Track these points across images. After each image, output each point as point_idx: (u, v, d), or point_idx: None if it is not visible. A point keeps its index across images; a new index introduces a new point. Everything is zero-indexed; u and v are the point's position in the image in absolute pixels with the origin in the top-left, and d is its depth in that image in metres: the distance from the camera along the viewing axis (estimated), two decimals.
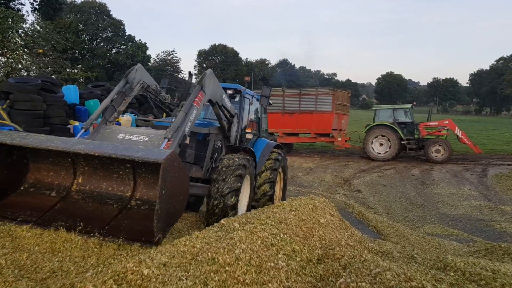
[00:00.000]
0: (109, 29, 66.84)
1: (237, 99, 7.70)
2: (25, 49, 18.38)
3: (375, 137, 20.56)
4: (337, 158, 20.32)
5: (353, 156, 21.69)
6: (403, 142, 20.08)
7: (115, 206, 4.72)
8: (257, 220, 4.38)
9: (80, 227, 4.30)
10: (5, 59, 16.73)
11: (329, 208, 6.48)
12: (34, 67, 19.02)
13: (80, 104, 10.17)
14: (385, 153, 20.23)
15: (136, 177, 4.77)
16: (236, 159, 6.00)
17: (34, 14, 24.97)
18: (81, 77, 59.69)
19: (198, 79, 5.84)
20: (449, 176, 15.47)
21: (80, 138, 5.04)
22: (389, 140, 20.26)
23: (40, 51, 18.70)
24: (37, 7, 24.60)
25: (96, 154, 4.20)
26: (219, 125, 6.85)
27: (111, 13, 67.46)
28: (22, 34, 17.96)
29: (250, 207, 6.48)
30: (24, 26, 17.80)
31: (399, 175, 15.72)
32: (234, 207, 5.72)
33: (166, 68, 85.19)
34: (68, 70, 60.84)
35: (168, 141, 4.89)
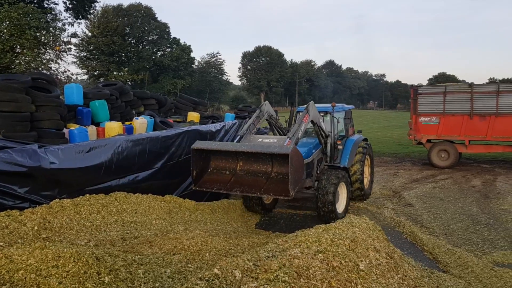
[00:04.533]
0: (154, 32, 67.43)
1: (327, 118, 10.50)
2: (45, 47, 17.85)
3: None
4: (385, 165, 18.47)
5: (403, 163, 19.74)
6: None
7: (263, 177, 8.00)
8: (263, 273, 3.00)
9: (244, 191, 7.80)
10: (23, 57, 16.25)
11: (373, 237, 5.07)
12: (52, 65, 18.48)
13: (85, 104, 9.09)
14: None
15: (273, 160, 7.94)
16: (332, 179, 9.13)
17: (67, 13, 24.77)
18: (127, 80, 60.71)
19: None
20: None
21: (240, 143, 8.34)
22: None
23: (57, 48, 18.15)
24: (70, 6, 24.30)
25: (253, 152, 7.59)
26: (318, 148, 10.01)
27: (156, 16, 68.01)
28: (43, 32, 17.43)
29: (348, 203, 9.89)
30: (43, 23, 17.24)
31: (457, 186, 13.81)
32: (333, 210, 8.94)
33: (210, 70, 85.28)
34: (115, 73, 62.12)
35: (289, 139, 8.07)
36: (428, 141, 18.40)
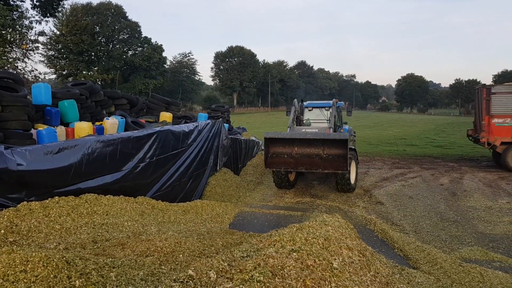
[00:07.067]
0: (125, 31, 66.39)
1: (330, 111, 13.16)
2: (11, 45, 17.33)
3: None
4: None
5: (373, 162, 20.07)
6: None
7: (316, 158, 10.73)
8: (238, 273, 2.99)
9: (308, 169, 10.75)
10: None
11: (346, 235, 5.13)
12: (19, 64, 17.97)
13: (54, 104, 8.81)
14: None
15: (323, 144, 10.67)
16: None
17: (34, 11, 24.12)
18: (97, 79, 59.54)
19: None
20: (482, 186, 13.84)
21: (295, 132, 11.74)
22: None
23: (24, 46, 17.68)
24: (37, 3, 23.65)
25: (317, 138, 10.71)
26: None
27: (127, 15, 66.99)
28: (9, 30, 16.93)
29: (357, 176, 12.99)
30: (9, 20, 16.73)
31: (426, 184, 14.15)
32: (349, 182, 12.00)
33: (183, 70, 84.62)
34: (84, 72, 60.84)
35: (330, 128, 11.68)
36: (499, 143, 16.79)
